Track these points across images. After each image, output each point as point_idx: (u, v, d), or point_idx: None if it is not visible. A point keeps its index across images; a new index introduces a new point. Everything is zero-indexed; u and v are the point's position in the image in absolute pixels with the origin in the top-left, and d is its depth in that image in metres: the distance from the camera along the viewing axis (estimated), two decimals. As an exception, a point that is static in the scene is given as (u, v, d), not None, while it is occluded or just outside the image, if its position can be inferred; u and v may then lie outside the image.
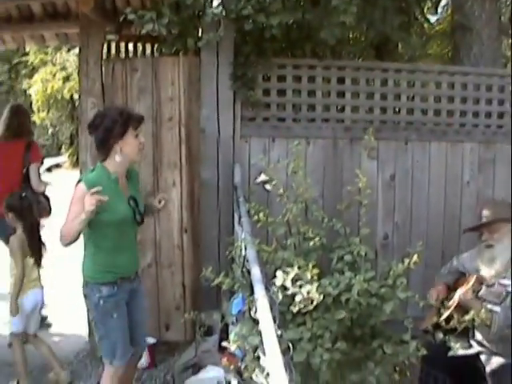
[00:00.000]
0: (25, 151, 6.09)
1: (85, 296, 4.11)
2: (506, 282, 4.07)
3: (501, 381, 3.79)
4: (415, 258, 3.50)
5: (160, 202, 4.40)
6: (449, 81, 5.79)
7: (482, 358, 4.19)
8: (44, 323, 6.17)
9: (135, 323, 4.27)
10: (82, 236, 3.92)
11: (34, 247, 5.13)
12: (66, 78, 20.58)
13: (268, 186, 3.98)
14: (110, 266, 4.01)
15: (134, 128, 4.00)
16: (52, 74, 21.18)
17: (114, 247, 4.03)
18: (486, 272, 4.19)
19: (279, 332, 2.53)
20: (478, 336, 4.21)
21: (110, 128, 3.91)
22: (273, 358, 2.23)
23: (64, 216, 3.84)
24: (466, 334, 4.23)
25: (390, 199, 5.71)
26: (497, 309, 4.00)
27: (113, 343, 4.09)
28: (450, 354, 3.72)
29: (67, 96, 20.75)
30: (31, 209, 5.23)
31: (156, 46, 6.53)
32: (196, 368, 4.74)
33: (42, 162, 6.54)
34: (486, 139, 5.83)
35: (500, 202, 5.20)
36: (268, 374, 2.25)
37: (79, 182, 3.94)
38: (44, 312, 5.88)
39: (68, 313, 6.59)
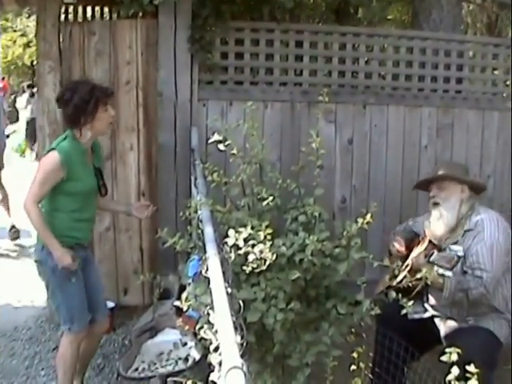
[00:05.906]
0: None
1: (39, 262, 4.10)
2: (457, 247, 4.09)
3: (455, 343, 3.82)
4: (368, 217, 3.51)
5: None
6: (407, 45, 5.78)
7: (436, 321, 4.23)
8: None
9: (93, 289, 4.29)
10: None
11: None
12: (27, 45, 20.33)
13: (221, 147, 3.96)
14: (70, 231, 4.03)
15: (105, 103, 3.99)
16: (12, 40, 20.95)
17: (76, 215, 4.05)
18: (433, 232, 4.20)
19: (230, 290, 2.53)
20: (432, 300, 4.25)
21: (80, 107, 3.90)
22: (221, 314, 2.23)
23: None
24: (420, 298, 4.26)
25: (348, 163, 5.73)
26: (448, 273, 4.00)
27: (71, 309, 4.10)
28: (403, 312, 3.73)
29: (28, 62, 20.53)
30: None
31: (114, 8, 6.45)
32: (153, 331, 4.75)
33: None
34: (444, 104, 5.86)
35: (454, 163, 5.22)
36: (217, 331, 2.24)
37: (52, 149, 3.92)
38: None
39: (26, 280, 6.58)
